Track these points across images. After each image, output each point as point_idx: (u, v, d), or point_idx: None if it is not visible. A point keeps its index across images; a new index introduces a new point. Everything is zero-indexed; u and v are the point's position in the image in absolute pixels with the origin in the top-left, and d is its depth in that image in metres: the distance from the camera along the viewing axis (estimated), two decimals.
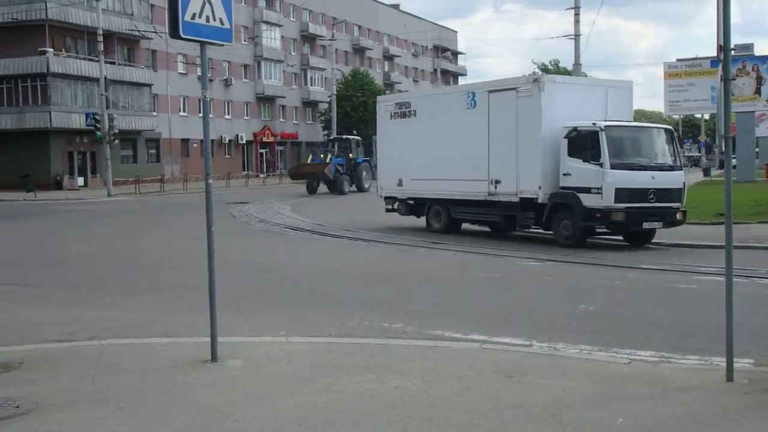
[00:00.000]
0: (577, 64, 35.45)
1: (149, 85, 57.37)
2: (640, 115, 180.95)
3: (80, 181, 52.11)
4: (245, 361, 7.28)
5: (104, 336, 8.55)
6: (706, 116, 69.22)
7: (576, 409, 5.78)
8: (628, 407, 5.84)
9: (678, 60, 49.51)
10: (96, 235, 21.87)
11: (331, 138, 48.05)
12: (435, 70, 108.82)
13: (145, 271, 14.26)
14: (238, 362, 7.22)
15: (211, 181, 7.58)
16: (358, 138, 47.10)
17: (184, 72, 62.49)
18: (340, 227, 21.85)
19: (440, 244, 17.59)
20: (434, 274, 13.55)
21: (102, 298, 11.35)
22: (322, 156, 45.08)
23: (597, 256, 15.28)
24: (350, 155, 44.01)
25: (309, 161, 46.73)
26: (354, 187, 43.34)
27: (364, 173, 44.12)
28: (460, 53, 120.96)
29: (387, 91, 79.78)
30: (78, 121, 48.98)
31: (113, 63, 52.69)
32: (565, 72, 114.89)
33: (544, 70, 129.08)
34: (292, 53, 77.50)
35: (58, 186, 48.93)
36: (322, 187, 42.57)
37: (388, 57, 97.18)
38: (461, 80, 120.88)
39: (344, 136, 47.48)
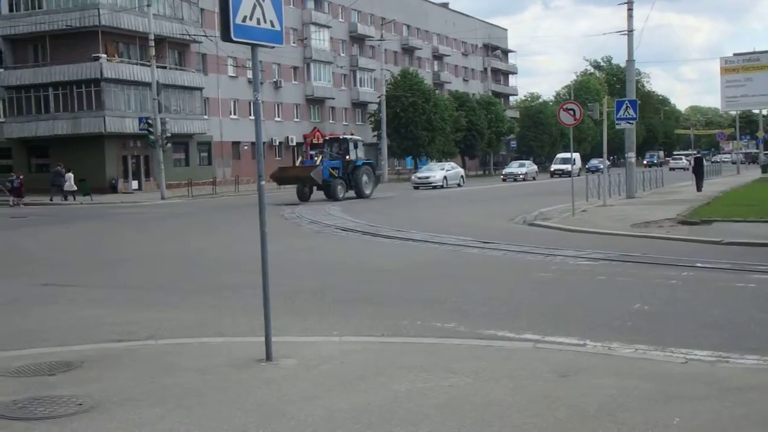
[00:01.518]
0: (630, 60, 35.05)
1: (200, 89, 58.13)
2: (695, 111, 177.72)
3: (134, 184, 53.07)
4: (299, 360, 7.38)
5: (162, 336, 8.75)
6: (765, 112, 67.83)
7: (631, 409, 5.76)
8: (684, 407, 5.80)
9: (735, 54, 48.71)
10: (151, 238, 22.27)
11: (327, 138, 43.31)
12: (485, 68, 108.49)
13: (199, 273, 14.50)
14: (292, 361, 7.33)
15: (263, 182, 7.71)
16: (359, 138, 42.63)
17: (234, 75, 63.21)
18: (391, 228, 21.92)
19: (492, 245, 17.56)
20: (487, 274, 13.54)
21: (158, 298, 11.59)
22: (314, 158, 39.53)
23: (651, 255, 15.12)
24: (347, 157, 39.39)
25: (299, 163, 41.28)
26: (352, 193, 39.10)
27: (365, 177, 39.81)
28: (510, 51, 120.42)
29: (437, 91, 79.69)
30: (131, 126, 49.92)
31: (164, 67, 53.53)
32: (618, 69, 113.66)
33: (596, 67, 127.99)
34: (341, 54, 77.92)
35: (114, 190, 49.88)
36: (318, 194, 38.39)
37: (438, 56, 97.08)
38: (511, 79, 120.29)
39: (341, 136, 42.43)
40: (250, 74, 61.33)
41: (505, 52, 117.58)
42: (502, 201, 35.64)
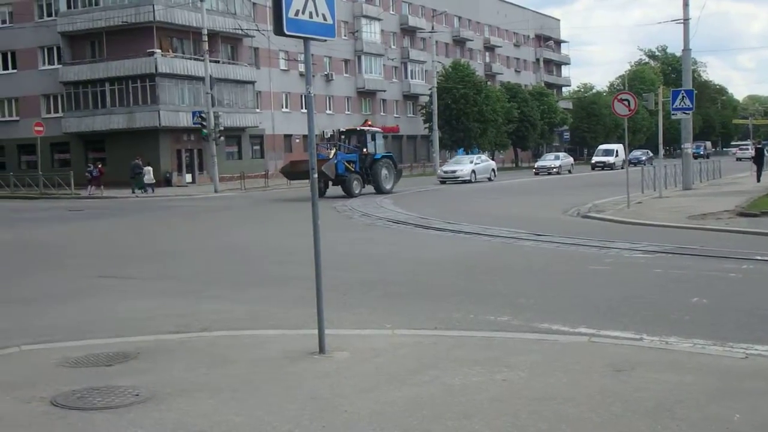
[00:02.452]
0: (686, 49, 34.38)
1: (252, 83, 58.60)
2: (754, 100, 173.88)
3: (188, 177, 53.74)
4: (352, 353, 7.40)
5: (215, 327, 8.85)
6: None
7: (690, 405, 5.65)
8: (745, 403, 5.67)
9: None
10: (204, 230, 22.53)
11: (343, 130, 39.75)
12: (537, 59, 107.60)
13: (252, 265, 14.63)
14: (345, 354, 7.34)
15: (316, 175, 7.73)
16: (377, 130, 40.25)
17: (285, 69, 63.59)
18: (443, 220, 21.87)
19: (545, 236, 17.40)
20: (540, 267, 13.42)
21: (212, 291, 11.71)
22: (328, 151, 36.37)
23: (709, 248, 14.84)
24: (365, 150, 37.27)
25: None
26: (371, 188, 37.16)
27: (384, 171, 37.68)
28: (563, 41, 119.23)
29: (489, 83, 79.20)
30: (185, 120, 50.53)
31: (217, 62, 54.04)
32: (674, 58, 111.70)
33: (651, 56, 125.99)
34: (392, 47, 77.86)
35: (168, 183, 50.59)
36: (335, 190, 36.21)
37: (489, 48, 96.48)
38: (564, 69, 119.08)
39: (359, 128, 39.48)
40: (301, 67, 61.66)
41: (558, 43, 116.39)
42: (549, 193, 35.28)
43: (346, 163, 35.91)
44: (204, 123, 44.36)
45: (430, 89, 68.87)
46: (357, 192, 35.39)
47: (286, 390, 6.23)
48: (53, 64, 54.58)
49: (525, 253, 15.37)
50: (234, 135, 57.13)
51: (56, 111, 54.87)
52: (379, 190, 36.96)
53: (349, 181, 35.36)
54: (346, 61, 71.10)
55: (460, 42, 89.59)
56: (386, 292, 11.21)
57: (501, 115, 74.27)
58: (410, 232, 20.06)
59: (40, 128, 45.92)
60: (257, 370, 6.90)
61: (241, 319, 9.42)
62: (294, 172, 36.71)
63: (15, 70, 56.22)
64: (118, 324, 9.27)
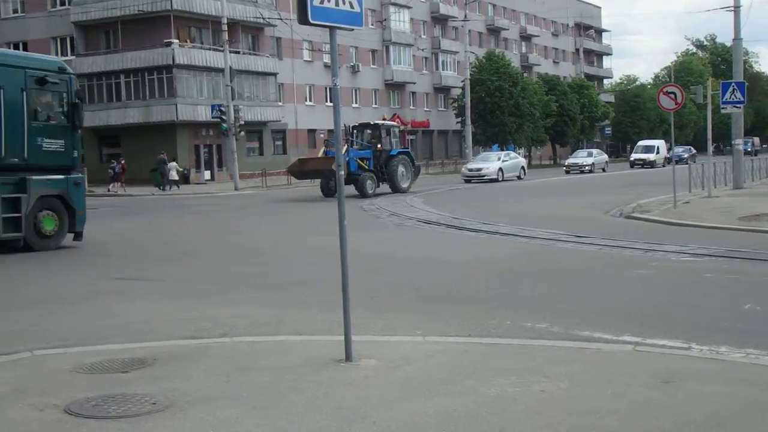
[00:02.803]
0: (737, 39, 34.04)
1: (274, 74, 58.81)
2: None
3: (206, 174, 54.08)
4: (380, 360, 7.39)
5: (236, 333, 8.88)
6: None
7: (742, 420, 5.58)
8: None
9: None
10: (224, 229, 22.63)
11: (355, 125, 38.23)
12: (577, 49, 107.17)
13: (274, 266, 14.68)
14: (372, 362, 7.33)
15: (342, 172, 7.73)
16: (393, 124, 39.33)
17: (309, 60, 63.77)
18: (476, 220, 21.82)
19: (586, 238, 17.31)
20: (581, 271, 13.34)
21: (231, 294, 11.76)
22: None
23: (762, 251, 14.67)
24: (379, 146, 36.01)
25: (321, 154, 35.92)
26: (387, 187, 36.09)
27: (401, 169, 36.42)
28: (604, 30, 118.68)
29: (525, 75, 78.88)
30: (204, 114, 50.86)
31: (238, 52, 54.31)
32: (723, 49, 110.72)
33: (699, 46, 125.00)
34: (422, 36, 77.85)
35: (186, 180, 50.95)
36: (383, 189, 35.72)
37: (526, 37, 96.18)
38: (605, 60, 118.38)
39: (373, 122, 38.83)
40: (326, 58, 61.87)
41: (599, 32, 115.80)
42: (589, 192, 35.05)
43: (358, 161, 34.76)
44: (223, 117, 44.59)
45: (462, 81, 68.72)
46: (371, 192, 34.14)
47: (310, 400, 6.23)
48: (66, 56, 55.13)
49: (564, 256, 15.29)
50: (255, 130, 57.39)
51: None
52: (396, 189, 35.90)
53: (362, 180, 34.03)
54: (374, 52, 71.18)
55: (494, 31, 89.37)
56: (417, 296, 11.19)
57: (538, 108, 74.04)
58: (442, 232, 20.05)
59: None
60: (280, 378, 6.91)
61: (262, 323, 9.44)
62: (302, 171, 35.54)
63: None
64: (133, 328, 9.33)
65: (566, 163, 62.39)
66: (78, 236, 18.67)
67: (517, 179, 48.85)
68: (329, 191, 34.00)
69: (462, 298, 10.99)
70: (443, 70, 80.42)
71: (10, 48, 45.63)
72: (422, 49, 77.07)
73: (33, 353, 8.08)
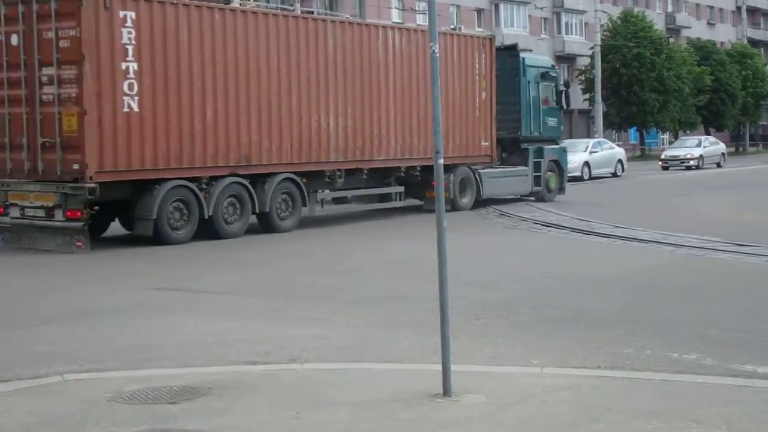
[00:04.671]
0: None
1: None
2: None
3: None
4: (487, 397, 7.38)
5: (307, 358, 8.96)
6: None
7: None
8: None
9: None
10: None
11: None
12: (738, 8, 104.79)
13: (355, 279, 14.74)
14: (477, 398, 7.33)
15: (441, 161, 7.66)
16: None
17: (399, 21, 64.02)
18: (607, 223, 21.62)
19: (751, 247, 17.00)
20: (742, 288, 13.11)
21: (302, 310, 11.86)
22: None
23: None
24: None
25: None
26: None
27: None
28: None
29: (672, 40, 77.61)
30: None
31: (311, 12, 54.83)
32: None
33: None
34: None
35: None
36: None
37: None
38: None
39: None
40: (420, 19, 61.97)
41: None
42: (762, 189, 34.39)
43: None
44: None
45: (591, 48, 67.91)
46: None
47: None
48: None
49: (721, 269, 15.05)
50: None
51: None
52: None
53: None
54: (479, 11, 71.02)
55: None
56: (531, 317, 11.16)
57: (688, 83, 72.69)
58: (563, 237, 20.01)
59: None
60: (362, 416, 6.96)
61: (340, 348, 9.51)
62: None
63: None
64: (183, 350, 9.49)
65: (663, 156, 58.10)
66: (562, 191, 29.71)
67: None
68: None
69: (589, 320, 10.91)
70: (567, 34, 79.71)
71: None
72: (541, 8, 76.49)
73: (64, 377, 8.27)
